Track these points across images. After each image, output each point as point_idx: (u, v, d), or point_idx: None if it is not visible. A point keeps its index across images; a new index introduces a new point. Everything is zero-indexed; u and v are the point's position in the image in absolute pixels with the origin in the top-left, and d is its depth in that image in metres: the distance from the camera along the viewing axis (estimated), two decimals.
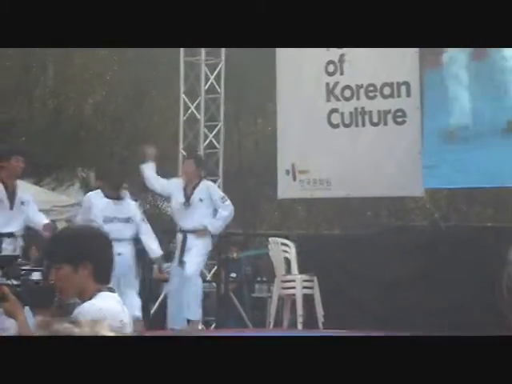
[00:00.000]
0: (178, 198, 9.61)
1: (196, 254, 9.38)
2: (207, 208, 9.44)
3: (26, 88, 17.42)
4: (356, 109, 10.58)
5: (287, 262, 10.60)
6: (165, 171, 13.20)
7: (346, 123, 10.66)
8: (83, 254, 3.29)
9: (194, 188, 9.57)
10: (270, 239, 11.12)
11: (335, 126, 10.73)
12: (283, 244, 10.71)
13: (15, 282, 3.45)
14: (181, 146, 12.43)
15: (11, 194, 8.22)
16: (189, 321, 9.36)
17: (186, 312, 9.25)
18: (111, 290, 3.37)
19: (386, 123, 10.40)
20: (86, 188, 16.09)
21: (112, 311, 3.22)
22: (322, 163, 10.72)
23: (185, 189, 9.64)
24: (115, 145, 16.81)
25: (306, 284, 10.33)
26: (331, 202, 12.71)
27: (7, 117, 16.66)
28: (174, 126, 12.98)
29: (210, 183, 9.78)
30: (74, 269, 3.28)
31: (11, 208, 8.18)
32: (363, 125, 10.54)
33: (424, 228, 11.81)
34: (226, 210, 9.45)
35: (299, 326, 10.11)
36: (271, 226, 16.87)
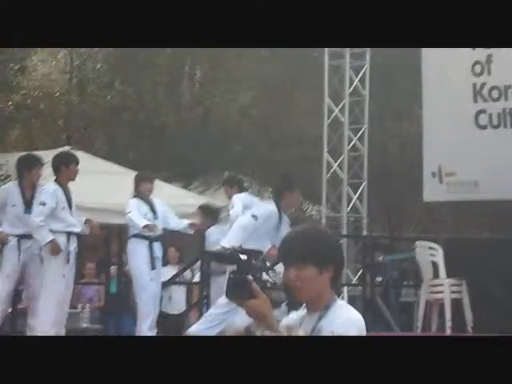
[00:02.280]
0: None
1: None
2: None
3: (175, 94, 17.88)
4: (504, 110, 10.33)
5: (435, 265, 10.43)
6: (308, 174, 13.27)
7: (494, 124, 10.42)
8: (329, 256, 3.16)
9: None
10: (416, 243, 10.98)
11: (483, 128, 10.50)
12: (430, 248, 10.55)
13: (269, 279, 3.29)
14: (325, 149, 12.47)
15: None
16: None
17: None
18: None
19: None
20: None
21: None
22: (470, 165, 10.51)
23: None
24: (260, 148, 17.02)
25: (454, 288, 10.15)
26: (480, 204, 12.43)
27: (157, 123, 17.14)
28: (318, 129, 13.02)
29: None
30: (319, 271, 3.13)
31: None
32: None
33: None
34: None
35: (448, 331, 9.94)
36: (417, 229, 16.67)
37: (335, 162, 12.43)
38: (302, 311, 3.21)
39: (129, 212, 8.87)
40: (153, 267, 8.85)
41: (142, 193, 8.99)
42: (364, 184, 12.39)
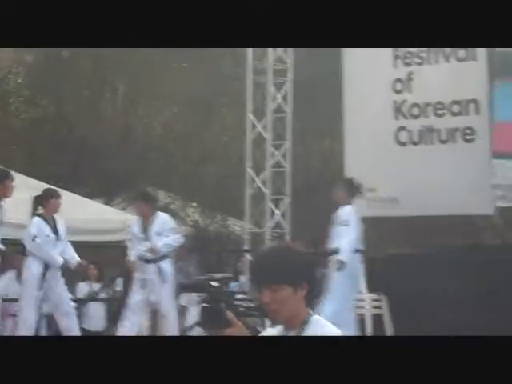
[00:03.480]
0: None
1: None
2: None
3: (96, 107, 17.70)
4: (424, 127, 10.50)
5: None
6: (232, 190, 13.26)
7: (414, 141, 10.58)
8: (303, 273, 3.08)
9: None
10: None
11: (403, 144, 10.66)
12: None
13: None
14: (248, 165, 12.48)
15: None
16: None
17: None
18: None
19: (454, 141, 10.29)
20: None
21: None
22: (390, 181, 10.65)
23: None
24: (184, 164, 16.96)
25: (374, 303, 10.25)
26: (399, 220, 12.60)
27: (78, 135, 16.93)
28: (241, 145, 13.03)
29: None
30: (294, 289, 3.06)
31: None
32: (431, 143, 10.45)
33: (495, 247, 11.62)
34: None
35: None
36: None
37: (258, 177, 12.45)
38: (280, 327, 3.15)
39: (35, 237, 8.67)
40: (40, 288, 8.66)
41: (48, 210, 8.78)
42: (287, 200, 12.43)
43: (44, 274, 8.69)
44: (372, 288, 10.36)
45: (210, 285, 7.37)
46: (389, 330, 10.13)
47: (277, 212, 12.44)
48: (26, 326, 8.62)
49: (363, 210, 11.01)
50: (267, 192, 12.43)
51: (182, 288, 8.93)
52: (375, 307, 10.23)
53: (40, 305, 8.66)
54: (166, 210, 16.32)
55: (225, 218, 17.33)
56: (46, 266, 8.69)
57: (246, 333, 3.08)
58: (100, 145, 16.72)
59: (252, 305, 7.38)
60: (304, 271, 3.10)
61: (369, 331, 10.05)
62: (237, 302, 7.50)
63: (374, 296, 10.27)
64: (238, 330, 3.06)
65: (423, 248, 12.35)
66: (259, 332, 3.32)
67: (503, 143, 10.09)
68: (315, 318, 3.12)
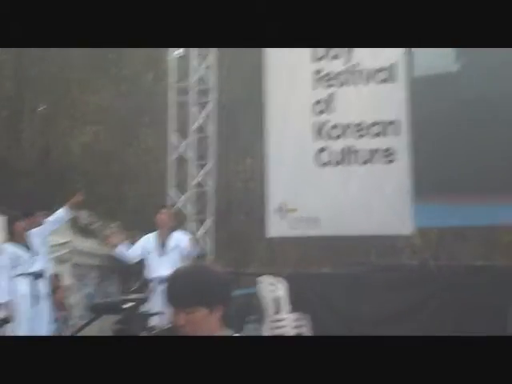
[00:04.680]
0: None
1: None
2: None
3: (15, 127, 17.45)
4: (344, 148, 10.62)
5: (277, 301, 10.55)
6: (154, 210, 13.17)
7: (334, 162, 10.69)
8: (218, 294, 3.03)
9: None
10: (259, 278, 11.08)
11: (323, 165, 10.76)
12: (273, 283, 10.67)
13: None
14: (170, 184, 12.43)
15: None
16: None
17: None
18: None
19: (374, 162, 10.43)
20: (75, 228, 16.03)
21: None
22: (311, 202, 10.73)
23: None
24: (104, 183, 16.81)
25: (296, 323, 10.28)
26: (320, 240, 12.70)
27: None
28: (163, 165, 12.99)
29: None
30: (210, 312, 3.00)
31: None
32: (352, 163, 10.58)
33: (413, 267, 11.80)
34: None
35: None
36: (261, 265, 16.84)
37: (181, 197, 12.41)
38: None
39: None
40: (33, 305, 8.69)
41: (16, 234, 8.80)
42: (209, 220, 12.42)
43: (33, 293, 8.76)
44: (294, 308, 10.39)
45: (123, 307, 7.26)
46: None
47: (199, 232, 12.42)
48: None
49: (285, 230, 11.10)
50: (189, 212, 12.40)
51: (93, 310, 8.81)
52: (297, 327, 10.25)
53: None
54: (86, 230, 16.18)
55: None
56: (34, 284, 8.76)
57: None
58: (19, 165, 16.48)
59: (167, 327, 7.33)
60: (219, 292, 3.04)
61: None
62: (150, 324, 7.42)
63: (296, 316, 10.30)
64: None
65: (344, 268, 12.47)
66: None
67: None
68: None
